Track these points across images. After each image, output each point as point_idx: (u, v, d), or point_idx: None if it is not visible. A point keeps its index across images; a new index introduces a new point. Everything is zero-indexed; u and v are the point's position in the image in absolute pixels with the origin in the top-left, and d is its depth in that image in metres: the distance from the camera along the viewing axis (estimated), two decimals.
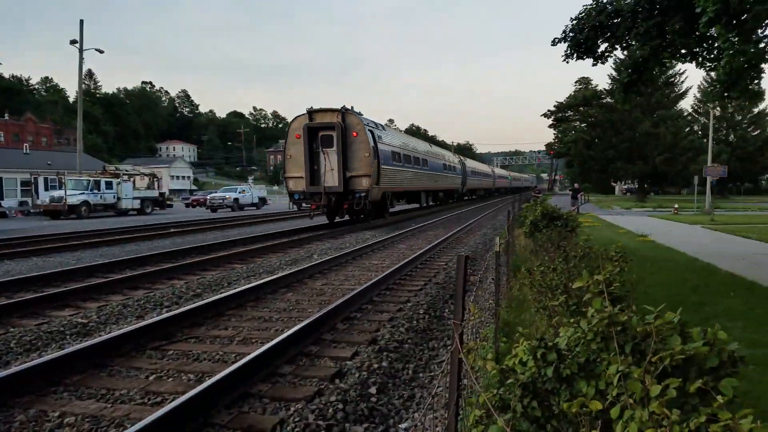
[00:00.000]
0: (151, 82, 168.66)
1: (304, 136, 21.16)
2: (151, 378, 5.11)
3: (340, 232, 19.82)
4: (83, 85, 40.75)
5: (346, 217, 23.97)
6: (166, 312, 7.65)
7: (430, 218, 27.02)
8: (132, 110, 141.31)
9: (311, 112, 21.64)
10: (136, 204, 36.70)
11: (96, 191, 33.99)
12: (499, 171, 79.95)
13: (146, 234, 19.13)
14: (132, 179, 37.69)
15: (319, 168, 21.53)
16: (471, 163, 54.47)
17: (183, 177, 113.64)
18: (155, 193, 39.40)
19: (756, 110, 67.27)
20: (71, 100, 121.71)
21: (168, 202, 42.12)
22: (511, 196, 49.52)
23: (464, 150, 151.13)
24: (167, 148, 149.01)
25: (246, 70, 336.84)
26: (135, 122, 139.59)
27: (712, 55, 11.06)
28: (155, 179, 40.54)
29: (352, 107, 22.31)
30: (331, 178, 21.34)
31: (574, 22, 11.92)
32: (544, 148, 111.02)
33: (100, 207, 34.41)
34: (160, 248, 15.11)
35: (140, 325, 6.34)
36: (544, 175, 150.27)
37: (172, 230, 20.76)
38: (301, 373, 5.19)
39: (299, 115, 21.88)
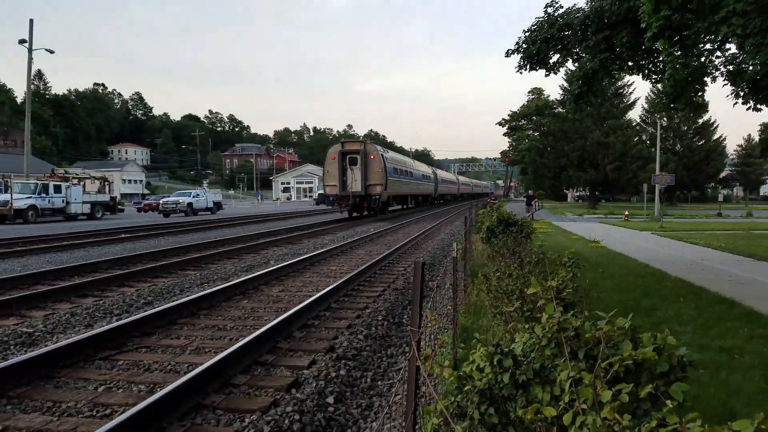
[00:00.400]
0: (103, 84, 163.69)
1: (338, 158, 31.15)
2: (100, 389, 4.93)
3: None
4: (32, 86, 39.24)
5: (352, 214, 32.74)
6: (116, 320, 7.41)
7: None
8: (83, 112, 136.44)
9: (343, 142, 33.27)
10: (86, 208, 35.40)
11: (44, 195, 32.66)
12: (462, 179, 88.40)
13: (96, 239, 18.53)
14: (82, 183, 36.41)
15: (347, 179, 31.30)
16: (441, 173, 63.73)
17: (135, 181, 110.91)
18: (106, 198, 38.11)
19: (701, 121, 69.78)
20: (19, 100, 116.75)
21: (119, 207, 40.83)
22: (469, 202, 54.84)
23: (422, 156, 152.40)
24: (119, 151, 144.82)
25: (202, 73, 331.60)
26: (86, 124, 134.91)
27: (658, 68, 11.51)
28: (106, 183, 39.29)
29: (369, 138, 29.23)
30: (355, 186, 31.14)
31: (527, 34, 12.19)
32: (499, 156, 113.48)
33: (48, 211, 33.06)
34: (110, 254, 14.64)
35: (89, 334, 6.12)
36: (500, 182, 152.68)
37: (123, 236, 20.19)
38: (256, 383, 5.10)
39: (335, 144, 33.67)
